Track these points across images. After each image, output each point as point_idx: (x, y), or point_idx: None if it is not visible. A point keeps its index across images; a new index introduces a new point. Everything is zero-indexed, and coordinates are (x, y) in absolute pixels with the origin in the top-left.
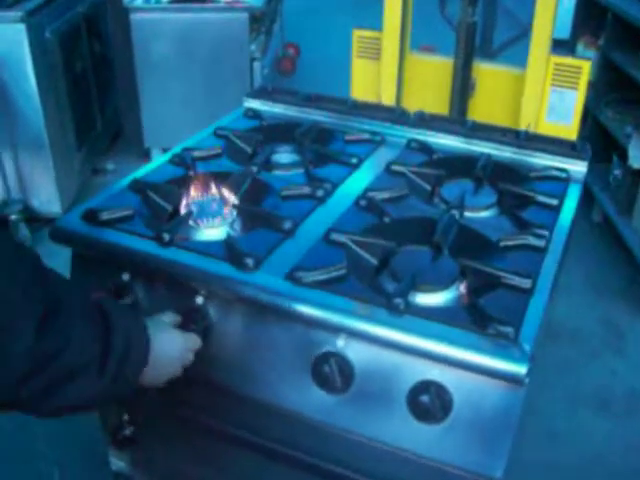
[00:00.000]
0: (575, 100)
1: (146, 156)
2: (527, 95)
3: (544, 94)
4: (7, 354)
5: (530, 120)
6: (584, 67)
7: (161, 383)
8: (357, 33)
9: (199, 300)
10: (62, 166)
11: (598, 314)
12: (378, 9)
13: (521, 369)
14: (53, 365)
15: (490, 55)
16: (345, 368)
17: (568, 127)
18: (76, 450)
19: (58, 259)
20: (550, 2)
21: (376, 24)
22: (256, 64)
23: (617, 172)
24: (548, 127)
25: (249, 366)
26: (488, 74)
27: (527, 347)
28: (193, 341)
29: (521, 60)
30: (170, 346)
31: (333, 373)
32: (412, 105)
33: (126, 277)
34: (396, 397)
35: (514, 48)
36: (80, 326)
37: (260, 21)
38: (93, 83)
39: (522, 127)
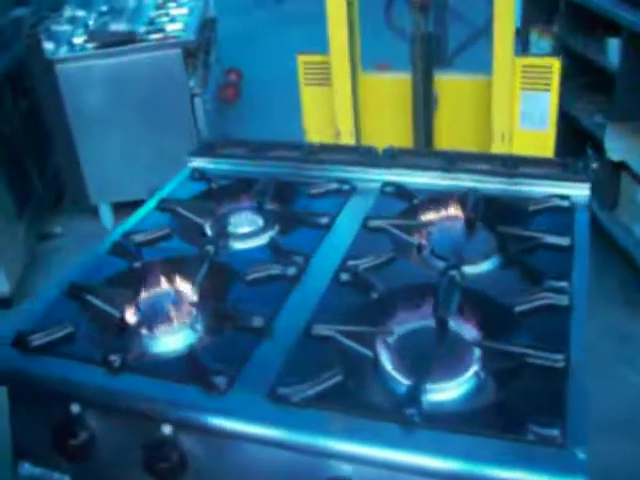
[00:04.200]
0: (549, 102)
1: (94, 213)
2: (496, 103)
3: (514, 100)
4: None
5: (503, 130)
6: (554, 65)
7: None
8: (302, 59)
9: (167, 430)
10: (3, 240)
11: (599, 323)
12: (312, 20)
13: None
14: None
15: (445, 64)
16: None
17: (544, 132)
18: None
19: None
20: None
21: (314, 37)
22: (197, 100)
23: (594, 165)
24: (523, 135)
25: None
26: (450, 85)
27: (581, 454)
28: None
29: (478, 65)
30: None
31: None
32: (372, 130)
33: (76, 409)
34: None
35: (466, 54)
36: None
37: (195, 54)
38: (26, 144)
39: (495, 139)
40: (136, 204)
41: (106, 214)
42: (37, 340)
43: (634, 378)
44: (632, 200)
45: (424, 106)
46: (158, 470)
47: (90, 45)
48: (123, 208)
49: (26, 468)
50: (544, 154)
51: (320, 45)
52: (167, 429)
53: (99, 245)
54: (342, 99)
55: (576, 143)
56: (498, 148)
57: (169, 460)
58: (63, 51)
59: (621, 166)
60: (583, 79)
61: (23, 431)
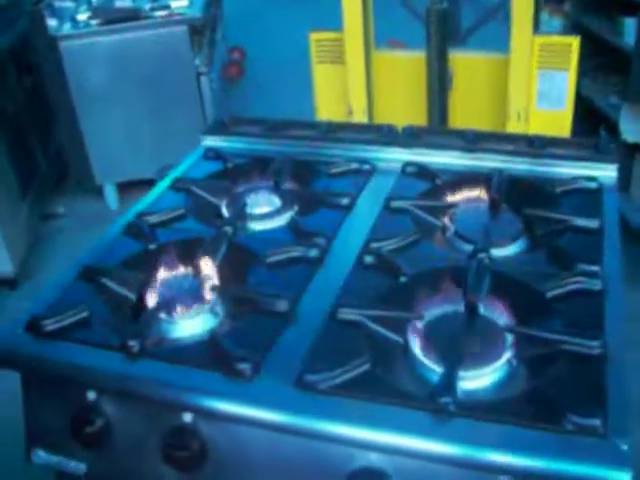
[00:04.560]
0: (567, 82)
1: (97, 193)
2: (513, 82)
3: (531, 79)
4: None
5: (519, 109)
6: (573, 45)
7: None
8: (314, 36)
9: (187, 418)
10: (7, 220)
11: None
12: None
13: (622, 476)
14: None
15: (459, 42)
16: None
17: (561, 112)
18: None
19: None
20: None
21: (321, 15)
22: (203, 79)
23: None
24: (539, 114)
25: None
26: (465, 64)
27: (623, 445)
28: None
29: (492, 44)
30: None
31: None
32: (385, 109)
33: (92, 396)
34: None
35: (479, 32)
36: None
37: (201, 32)
38: (30, 122)
39: (511, 118)
40: (141, 184)
41: (111, 194)
42: (51, 325)
43: None
44: None
45: (439, 84)
46: (177, 459)
47: (94, 22)
48: (128, 188)
49: (40, 456)
50: (560, 134)
51: (325, 23)
52: (187, 417)
53: (112, 226)
54: (355, 77)
55: (589, 124)
56: (514, 127)
57: (189, 449)
58: (67, 28)
59: (635, 148)
60: (596, 60)
61: (37, 418)
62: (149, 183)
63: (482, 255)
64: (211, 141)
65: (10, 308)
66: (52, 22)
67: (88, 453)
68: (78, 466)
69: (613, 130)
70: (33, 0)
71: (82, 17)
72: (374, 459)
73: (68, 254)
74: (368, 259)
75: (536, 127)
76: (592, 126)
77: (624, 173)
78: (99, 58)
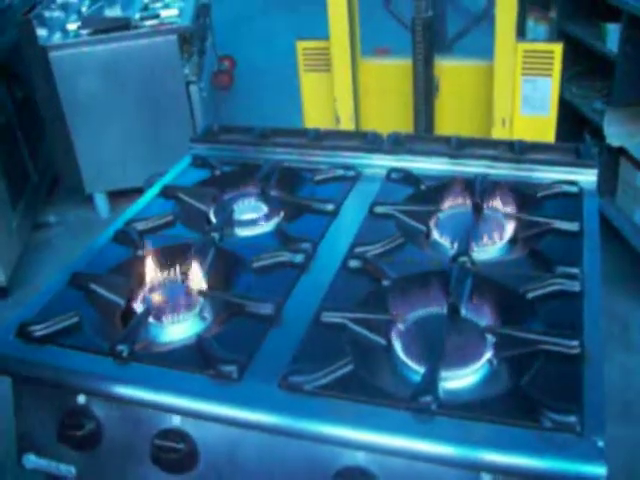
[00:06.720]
0: (550, 88)
1: (88, 202)
2: (498, 88)
3: (515, 85)
4: None
5: (504, 115)
6: (556, 51)
7: None
8: (301, 45)
9: (176, 420)
10: None
11: None
12: (309, 6)
13: (597, 471)
14: None
15: (444, 49)
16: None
17: (545, 118)
18: None
19: None
20: None
21: (311, 23)
22: (193, 88)
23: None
24: (524, 120)
25: None
26: (451, 70)
27: (599, 442)
28: None
29: (477, 51)
30: None
31: None
32: (373, 116)
33: (82, 400)
34: None
35: (465, 39)
36: None
37: (190, 41)
38: (20, 133)
39: (496, 124)
40: (132, 192)
41: (101, 203)
42: (41, 330)
43: (630, 363)
44: (631, 186)
45: (425, 91)
46: (167, 461)
47: (84, 32)
48: (118, 196)
49: (31, 460)
50: (545, 139)
51: (316, 31)
52: (176, 419)
53: (102, 233)
54: (342, 85)
55: (574, 129)
56: (499, 133)
57: (178, 451)
58: (57, 38)
59: (620, 152)
60: (581, 65)
61: (28, 422)
62: (140, 191)
63: (464, 259)
64: (199, 149)
65: (2, 316)
66: (42, 32)
67: (78, 456)
68: (68, 469)
69: (598, 134)
70: (22, 10)
71: (72, 27)
72: (360, 458)
73: (59, 263)
74: (353, 263)
75: (521, 133)
76: (577, 131)
77: (610, 177)
78: (89, 68)
